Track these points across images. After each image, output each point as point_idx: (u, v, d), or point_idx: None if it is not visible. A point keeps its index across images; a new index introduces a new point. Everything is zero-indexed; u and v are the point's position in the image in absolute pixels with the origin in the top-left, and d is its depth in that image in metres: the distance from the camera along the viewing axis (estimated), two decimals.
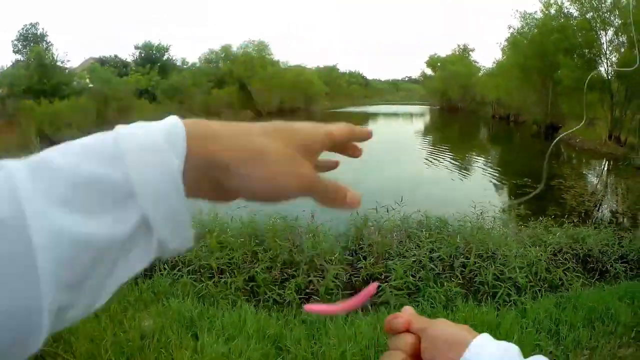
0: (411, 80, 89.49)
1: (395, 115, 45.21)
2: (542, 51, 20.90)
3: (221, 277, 4.45)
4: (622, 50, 18.09)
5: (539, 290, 4.32)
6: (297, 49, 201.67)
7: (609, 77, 18.46)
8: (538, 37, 21.57)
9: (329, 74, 53.97)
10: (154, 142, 0.31)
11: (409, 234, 5.31)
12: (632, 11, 13.07)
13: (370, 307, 3.80)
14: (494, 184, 12.67)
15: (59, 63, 22.58)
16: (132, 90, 25.92)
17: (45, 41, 27.65)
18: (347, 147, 0.46)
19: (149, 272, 4.58)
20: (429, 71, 54.00)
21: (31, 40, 27.82)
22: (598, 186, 12.96)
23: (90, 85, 24.40)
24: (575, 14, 20.14)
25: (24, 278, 0.25)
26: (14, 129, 17.47)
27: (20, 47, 28.56)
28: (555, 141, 3.04)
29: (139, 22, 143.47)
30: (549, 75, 21.40)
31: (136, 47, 33.10)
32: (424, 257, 4.59)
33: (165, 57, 33.41)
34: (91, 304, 0.31)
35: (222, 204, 0.39)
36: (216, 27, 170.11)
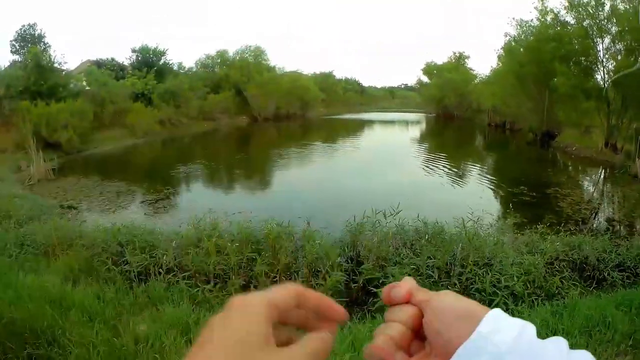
0: (407, 88, 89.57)
1: (391, 122, 45.35)
2: (538, 58, 20.95)
3: (216, 282, 4.42)
4: (619, 57, 18.21)
5: (536, 299, 4.30)
6: (297, 48, 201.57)
7: (606, 84, 18.57)
8: (534, 44, 21.65)
9: (325, 80, 53.98)
10: None
11: (405, 241, 5.30)
12: None
13: (368, 314, 3.77)
14: (491, 190, 12.71)
15: (56, 65, 22.46)
16: (129, 94, 25.79)
17: (43, 42, 27.59)
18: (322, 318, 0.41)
19: (144, 277, 4.55)
20: (425, 78, 54.13)
21: (29, 41, 27.76)
22: (594, 194, 13.02)
23: (87, 88, 24.31)
24: (572, 21, 20.29)
25: None
26: (10, 129, 17.40)
27: (17, 47, 28.54)
28: None
29: (138, 22, 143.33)
30: (544, 82, 21.47)
31: (133, 51, 32.97)
32: (421, 265, 4.57)
33: (162, 61, 33.28)
34: None
35: None
36: (216, 27, 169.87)
